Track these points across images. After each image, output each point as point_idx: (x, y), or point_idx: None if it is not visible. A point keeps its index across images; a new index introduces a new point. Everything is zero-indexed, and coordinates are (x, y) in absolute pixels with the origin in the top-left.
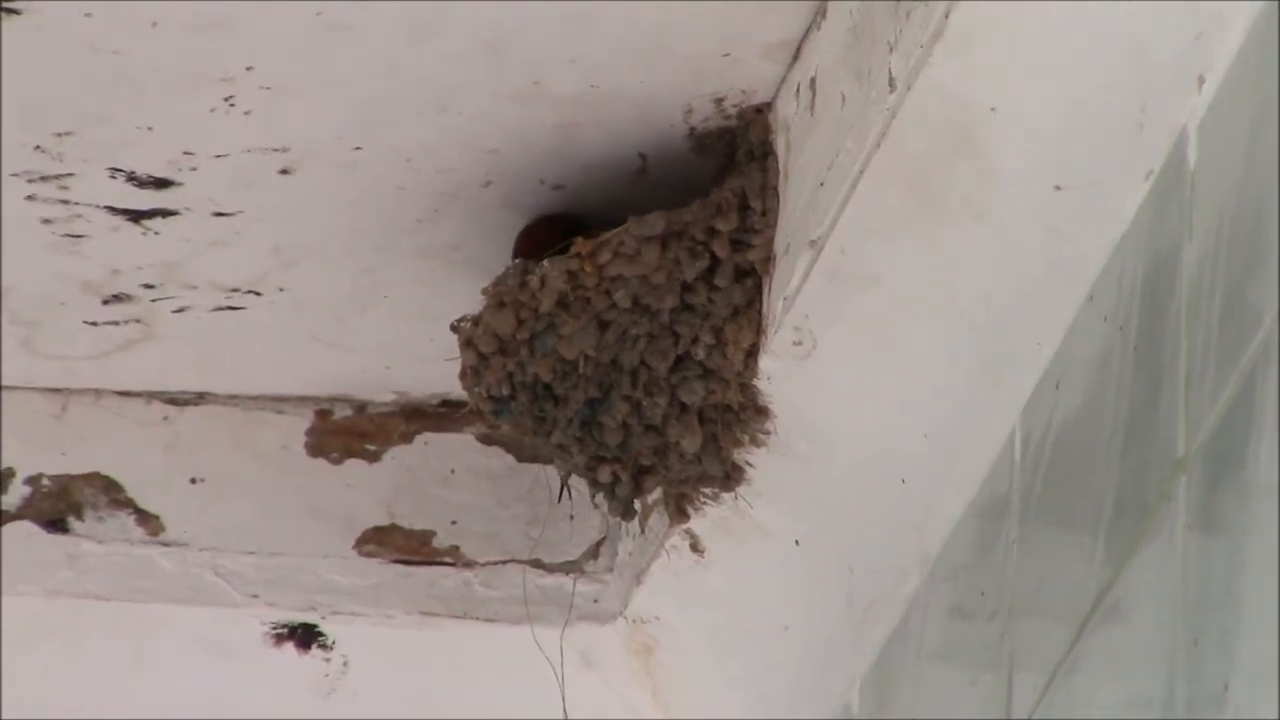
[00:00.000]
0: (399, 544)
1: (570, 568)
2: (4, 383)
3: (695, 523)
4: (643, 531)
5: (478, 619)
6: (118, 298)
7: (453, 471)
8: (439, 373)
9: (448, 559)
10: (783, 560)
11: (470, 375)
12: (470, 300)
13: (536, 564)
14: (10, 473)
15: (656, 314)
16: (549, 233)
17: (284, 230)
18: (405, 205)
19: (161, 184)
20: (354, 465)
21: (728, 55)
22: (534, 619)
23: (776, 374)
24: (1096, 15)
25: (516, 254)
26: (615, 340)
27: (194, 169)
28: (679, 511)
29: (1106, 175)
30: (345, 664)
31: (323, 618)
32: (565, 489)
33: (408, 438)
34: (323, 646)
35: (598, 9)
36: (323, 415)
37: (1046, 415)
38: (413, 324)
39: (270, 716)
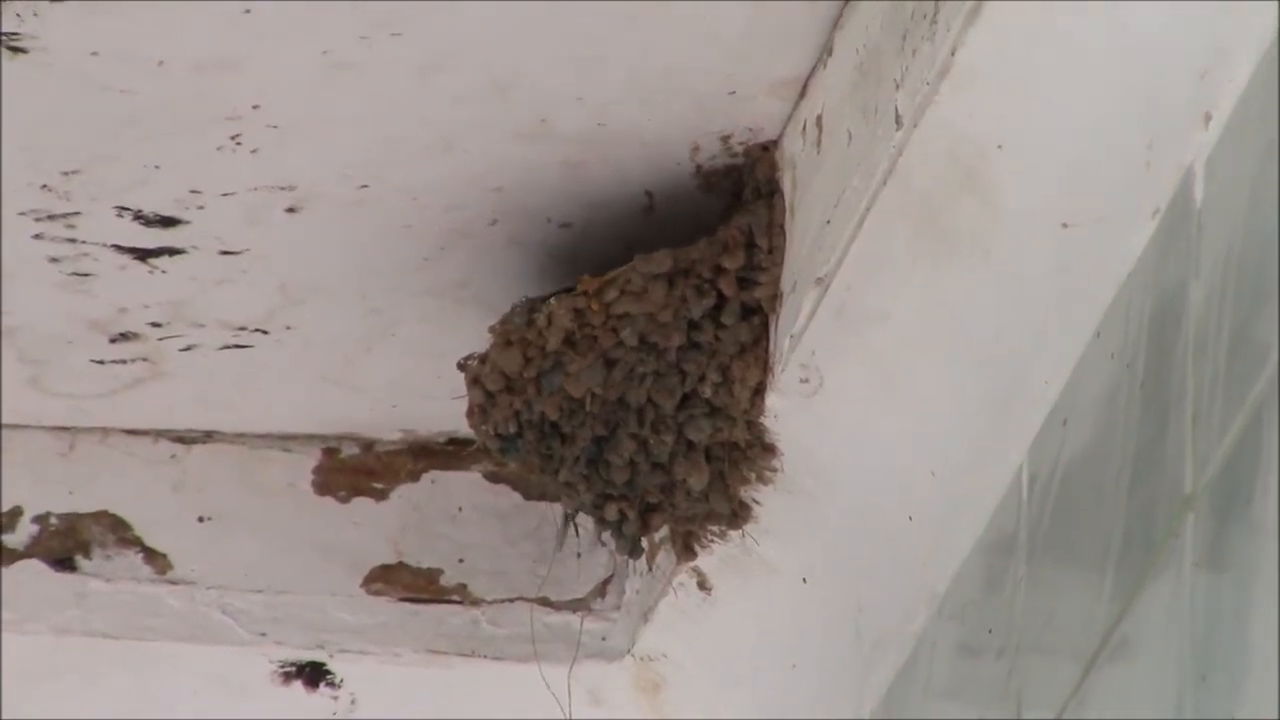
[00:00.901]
0: (406, 582)
1: (578, 605)
2: (12, 421)
3: (702, 560)
4: (650, 569)
5: (485, 657)
6: (125, 336)
7: (460, 509)
8: (446, 411)
9: (455, 597)
10: (790, 598)
11: (477, 413)
12: (477, 338)
13: (544, 602)
14: (18, 511)
15: (663, 352)
16: None
17: (291, 269)
18: (412, 243)
19: (168, 222)
20: (361, 503)
21: (734, 93)
22: (541, 657)
23: (783, 411)
24: (1103, 53)
25: None
26: (622, 378)
27: (201, 207)
28: (686, 549)
29: (1113, 212)
30: (353, 702)
31: (330, 656)
32: (573, 527)
33: (415, 476)
34: (331, 685)
35: (604, 48)
36: (330, 453)
37: (1054, 452)
38: (420, 362)
39: None
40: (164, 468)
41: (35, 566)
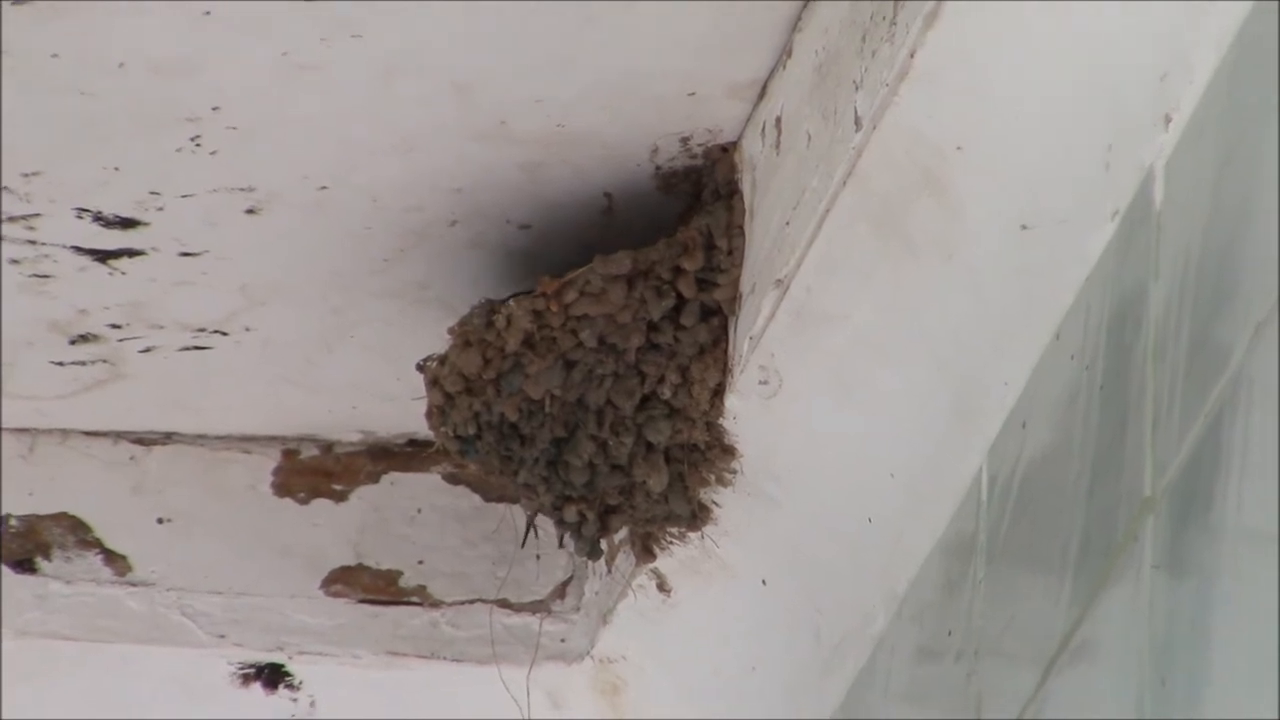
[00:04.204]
0: (366, 584)
1: (537, 607)
2: None
3: (662, 562)
4: (609, 571)
5: (444, 659)
6: (85, 338)
7: (419, 511)
8: (406, 412)
9: (414, 599)
10: (750, 600)
11: (437, 415)
12: (437, 340)
13: (503, 604)
14: None
15: (622, 353)
16: None
17: (250, 270)
18: (372, 245)
19: (128, 224)
20: (321, 505)
21: (693, 94)
22: (501, 659)
23: (743, 413)
24: (1062, 54)
25: None
26: (581, 380)
27: (160, 209)
28: (645, 551)
29: (1073, 214)
30: (312, 704)
31: (290, 658)
32: (531, 528)
33: (374, 477)
34: (290, 687)
35: (564, 50)
36: (289, 455)
37: (1014, 454)
38: (379, 363)
39: None
40: (124, 469)
41: None
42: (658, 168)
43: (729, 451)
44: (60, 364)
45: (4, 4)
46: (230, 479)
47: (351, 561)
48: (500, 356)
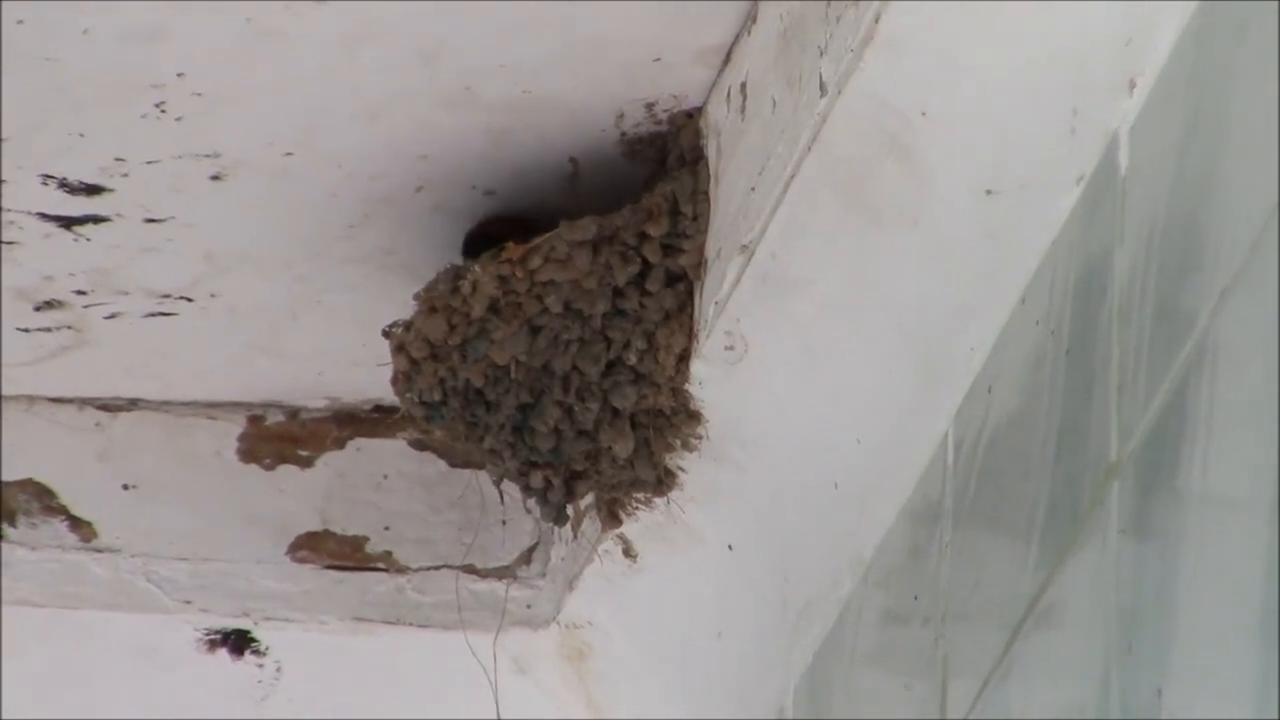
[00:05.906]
0: (332, 550)
1: (503, 573)
2: None
3: (628, 528)
4: (575, 537)
5: (411, 625)
6: (50, 304)
7: (385, 477)
8: (371, 378)
9: (380, 565)
10: (716, 565)
11: (402, 381)
12: (402, 306)
13: (469, 569)
14: None
15: (588, 319)
16: (498, 231)
17: (216, 237)
18: (337, 211)
19: (93, 190)
20: (287, 471)
21: (659, 60)
22: (467, 625)
23: (708, 379)
24: (1026, 19)
25: (466, 251)
26: (547, 345)
27: (125, 175)
28: (611, 516)
29: (1038, 179)
30: (279, 670)
31: (255, 624)
32: (498, 494)
33: (340, 443)
34: (256, 653)
35: (528, 15)
36: (255, 421)
37: (979, 420)
38: (345, 330)
39: None
40: (89, 436)
41: None
42: (623, 133)
43: (694, 417)
44: (26, 330)
45: None
46: (196, 445)
47: (318, 527)
48: (466, 322)
